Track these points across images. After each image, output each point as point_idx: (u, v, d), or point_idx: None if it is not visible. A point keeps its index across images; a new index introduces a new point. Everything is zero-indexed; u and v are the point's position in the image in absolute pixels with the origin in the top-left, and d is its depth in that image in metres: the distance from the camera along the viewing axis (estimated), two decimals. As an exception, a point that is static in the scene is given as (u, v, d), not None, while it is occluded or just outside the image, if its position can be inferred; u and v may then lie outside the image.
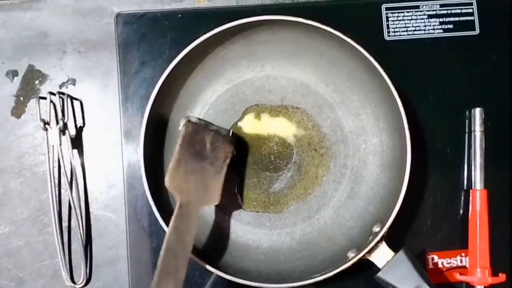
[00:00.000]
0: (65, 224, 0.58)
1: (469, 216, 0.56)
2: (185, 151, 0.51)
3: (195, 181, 0.51)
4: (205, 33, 0.52)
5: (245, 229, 0.58)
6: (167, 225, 0.50)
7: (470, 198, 0.57)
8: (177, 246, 0.48)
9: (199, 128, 0.53)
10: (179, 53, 0.52)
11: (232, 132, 0.58)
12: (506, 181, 0.59)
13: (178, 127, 0.54)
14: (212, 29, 0.52)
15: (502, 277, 0.54)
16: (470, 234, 0.56)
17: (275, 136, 0.58)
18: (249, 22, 0.52)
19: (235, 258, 0.55)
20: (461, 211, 0.58)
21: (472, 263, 0.55)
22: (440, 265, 0.57)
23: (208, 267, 0.51)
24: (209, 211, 0.57)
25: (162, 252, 0.47)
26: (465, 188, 0.59)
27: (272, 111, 0.59)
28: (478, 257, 0.55)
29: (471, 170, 0.58)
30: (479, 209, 0.56)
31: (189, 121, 0.53)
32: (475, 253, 0.55)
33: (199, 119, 0.54)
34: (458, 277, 0.56)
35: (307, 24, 0.52)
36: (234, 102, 0.59)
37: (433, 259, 0.58)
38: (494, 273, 0.54)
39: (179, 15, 0.60)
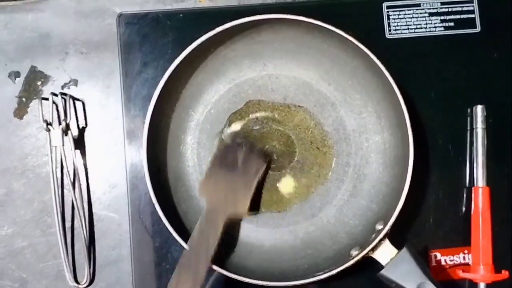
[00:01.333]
0: (68, 224, 0.58)
1: (472, 213, 0.56)
2: (217, 164, 0.54)
3: (224, 190, 0.53)
4: (206, 32, 0.52)
5: (248, 228, 0.58)
6: (171, 224, 0.51)
7: (473, 195, 0.57)
8: (200, 247, 0.49)
9: (232, 145, 0.56)
10: (181, 53, 0.52)
11: (266, 149, 0.58)
12: (508, 178, 0.59)
13: (214, 142, 0.57)
14: (214, 28, 0.52)
15: (505, 274, 0.54)
16: (473, 232, 0.56)
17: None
18: (250, 21, 0.52)
19: (239, 257, 0.55)
20: (464, 209, 0.58)
21: (475, 260, 0.55)
22: (443, 262, 0.57)
23: (212, 266, 0.50)
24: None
25: (185, 250, 0.49)
26: (467, 185, 0.59)
27: (275, 109, 0.59)
28: (481, 254, 0.55)
29: (473, 168, 0.58)
30: (482, 206, 0.56)
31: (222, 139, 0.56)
32: (477, 250, 0.55)
33: (234, 136, 0.56)
34: (461, 274, 0.56)
35: (308, 22, 0.52)
36: (236, 101, 0.59)
37: (436, 256, 0.58)
38: (497, 270, 0.54)
39: (181, 15, 0.60)
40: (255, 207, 0.57)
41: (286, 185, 0.58)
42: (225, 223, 0.51)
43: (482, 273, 0.54)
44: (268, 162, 0.57)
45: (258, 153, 0.57)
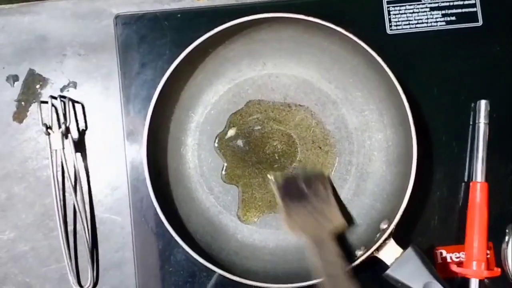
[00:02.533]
0: (70, 228, 0.57)
1: (468, 208, 0.56)
2: (287, 199, 0.54)
3: (312, 217, 0.53)
4: (205, 32, 0.52)
5: (251, 229, 0.57)
6: (172, 226, 0.51)
7: (470, 190, 0.56)
8: (334, 275, 0.48)
9: (288, 178, 0.56)
10: (179, 53, 0.52)
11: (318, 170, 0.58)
12: (508, 175, 0.58)
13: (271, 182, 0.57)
14: (212, 28, 0.52)
15: (497, 271, 0.54)
16: (468, 227, 0.55)
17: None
18: (249, 20, 0.52)
19: (242, 259, 0.55)
20: (460, 203, 0.58)
21: (469, 256, 0.55)
22: (448, 260, 0.57)
23: (216, 269, 0.50)
24: (215, 213, 0.57)
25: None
26: (465, 180, 0.58)
27: (275, 109, 0.58)
28: (475, 251, 0.54)
29: (473, 162, 0.57)
30: (479, 202, 0.55)
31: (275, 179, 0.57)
32: (471, 246, 0.55)
33: (285, 174, 0.57)
34: (454, 269, 0.55)
35: (308, 20, 0.52)
36: (236, 101, 0.58)
37: (441, 253, 0.57)
38: (491, 267, 0.54)
39: (179, 15, 0.60)
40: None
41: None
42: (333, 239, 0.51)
43: (475, 269, 0.54)
44: (328, 177, 0.58)
45: (314, 172, 0.57)
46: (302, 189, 0.55)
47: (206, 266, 0.51)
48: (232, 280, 0.51)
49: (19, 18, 0.60)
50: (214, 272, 0.51)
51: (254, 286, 0.51)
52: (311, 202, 0.54)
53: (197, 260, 0.51)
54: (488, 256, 0.56)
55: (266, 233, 0.57)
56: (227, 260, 0.54)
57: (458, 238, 0.57)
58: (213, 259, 0.51)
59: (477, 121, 0.58)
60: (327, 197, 0.55)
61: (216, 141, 0.58)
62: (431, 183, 0.58)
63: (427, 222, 0.58)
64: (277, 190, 0.56)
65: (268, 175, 0.57)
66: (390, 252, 0.51)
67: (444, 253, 0.57)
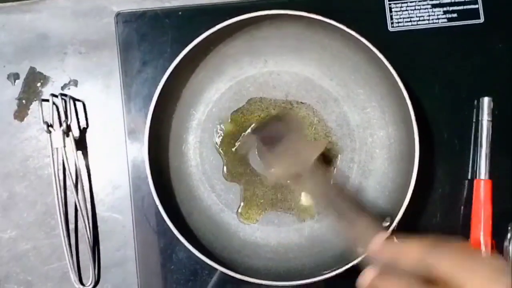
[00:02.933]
0: (71, 226, 0.57)
1: (472, 206, 0.56)
2: (266, 150, 0.52)
3: (290, 154, 0.51)
4: (206, 30, 0.52)
5: (253, 227, 0.57)
6: (174, 224, 0.50)
7: (474, 188, 0.56)
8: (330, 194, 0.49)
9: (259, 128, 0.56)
10: (180, 51, 0.52)
11: None
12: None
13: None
14: (213, 25, 0.52)
15: None
16: (473, 225, 0.55)
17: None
18: (250, 18, 0.52)
19: (244, 257, 0.55)
20: (463, 201, 0.58)
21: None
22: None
23: (218, 267, 0.50)
24: (217, 211, 0.57)
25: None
26: (469, 177, 0.58)
27: (277, 107, 0.58)
28: (481, 248, 0.54)
29: (476, 160, 0.57)
30: (483, 199, 0.55)
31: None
32: (476, 244, 0.54)
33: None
34: None
35: (309, 17, 0.51)
36: (238, 99, 0.58)
37: (443, 251, 0.57)
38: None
39: (180, 12, 0.59)
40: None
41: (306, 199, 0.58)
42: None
43: None
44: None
45: (283, 116, 0.56)
46: (275, 134, 0.53)
47: (207, 264, 0.50)
48: (234, 278, 0.50)
49: (20, 16, 0.60)
50: (216, 270, 0.51)
51: (256, 283, 0.50)
52: (288, 143, 0.52)
53: (198, 258, 0.50)
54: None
55: (268, 231, 0.57)
56: (229, 258, 0.54)
57: (460, 236, 0.57)
58: (215, 257, 0.51)
59: (480, 119, 0.58)
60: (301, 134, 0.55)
61: (218, 139, 0.58)
62: (434, 180, 0.58)
63: (429, 220, 0.57)
64: (257, 147, 0.54)
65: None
66: (393, 249, 0.50)
67: (447, 250, 0.57)
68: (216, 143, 0.58)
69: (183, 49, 0.52)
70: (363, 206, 0.49)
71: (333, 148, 0.58)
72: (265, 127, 0.56)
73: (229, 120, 0.58)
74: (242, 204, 0.57)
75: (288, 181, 0.54)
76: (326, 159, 0.57)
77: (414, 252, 0.37)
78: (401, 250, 0.39)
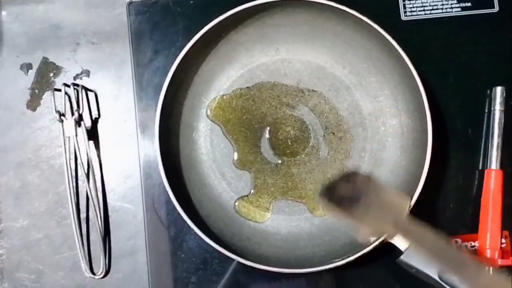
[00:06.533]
0: (83, 215, 0.57)
1: (482, 196, 0.55)
2: (348, 207, 0.50)
3: (376, 210, 0.49)
4: (217, 17, 0.52)
5: (263, 215, 0.57)
6: (186, 213, 0.51)
7: (484, 178, 0.56)
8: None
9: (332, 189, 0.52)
10: (191, 39, 0.52)
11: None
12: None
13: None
14: (225, 13, 0.52)
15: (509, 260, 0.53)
16: (482, 215, 0.55)
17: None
18: (262, 4, 0.52)
19: (255, 244, 0.55)
20: (474, 191, 0.57)
21: (482, 244, 0.54)
22: (463, 249, 0.56)
23: (228, 254, 0.50)
24: (227, 198, 0.57)
25: None
26: (480, 168, 0.57)
27: (288, 94, 0.58)
28: (489, 238, 0.54)
29: (488, 150, 0.57)
30: (493, 189, 0.55)
31: None
32: (485, 234, 0.54)
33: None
34: None
35: (322, 4, 0.51)
36: (249, 87, 0.58)
37: (456, 242, 0.56)
38: (506, 256, 0.54)
39: (191, 2, 0.59)
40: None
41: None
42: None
43: (489, 257, 0.53)
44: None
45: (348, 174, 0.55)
46: (353, 194, 0.51)
47: (218, 253, 0.50)
48: (245, 265, 0.50)
49: (33, 7, 0.61)
50: (226, 258, 0.51)
51: (267, 271, 0.50)
52: (367, 200, 0.50)
53: (209, 247, 0.51)
54: (504, 245, 0.55)
55: (279, 219, 0.57)
56: (239, 245, 0.53)
57: (472, 227, 0.56)
58: (225, 244, 0.51)
59: (492, 108, 0.57)
60: (377, 187, 0.52)
61: (228, 126, 0.58)
62: (446, 170, 0.57)
63: (441, 209, 0.57)
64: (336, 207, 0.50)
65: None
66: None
67: (459, 242, 0.56)
68: (227, 130, 0.58)
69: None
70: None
71: (345, 136, 0.57)
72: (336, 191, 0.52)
73: (240, 108, 0.58)
74: (252, 191, 0.57)
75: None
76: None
77: None
78: None
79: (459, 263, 0.46)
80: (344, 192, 0.51)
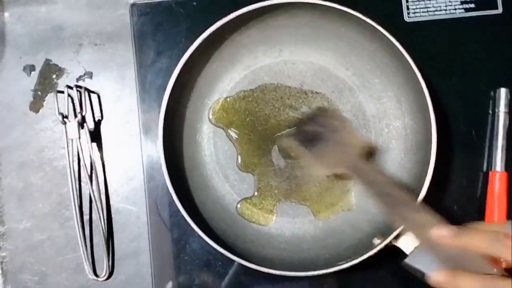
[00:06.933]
0: (86, 217, 0.57)
1: (486, 198, 0.55)
2: (306, 146, 0.54)
3: (334, 150, 0.53)
4: (221, 19, 0.52)
5: (267, 217, 0.57)
6: (189, 215, 0.50)
7: (489, 180, 0.56)
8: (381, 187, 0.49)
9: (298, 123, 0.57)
10: (195, 41, 0.52)
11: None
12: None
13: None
14: (228, 15, 0.52)
15: None
16: (487, 217, 0.55)
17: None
18: (265, 6, 0.51)
19: (258, 247, 0.55)
20: (479, 193, 0.57)
21: None
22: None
23: (232, 256, 0.50)
24: (230, 201, 0.57)
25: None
26: (484, 169, 0.57)
27: (291, 96, 0.58)
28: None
29: (492, 152, 0.57)
30: (497, 191, 0.55)
31: None
32: None
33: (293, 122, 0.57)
34: None
35: (325, 5, 0.51)
36: (252, 88, 0.58)
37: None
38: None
39: (194, 3, 0.59)
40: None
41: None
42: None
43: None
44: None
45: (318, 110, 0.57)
46: (314, 130, 0.54)
47: (221, 255, 0.50)
48: (248, 268, 0.50)
49: (35, 8, 0.60)
50: (230, 260, 0.51)
51: (270, 273, 0.50)
52: (329, 138, 0.54)
53: (212, 249, 0.50)
54: (508, 247, 0.55)
55: (282, 221, 0.57)
56: (242, 247, 0.53)
57: (477, 229, 0.56)
58: (228, 247, 0.51)
59: (496, 110, 0.57)
60: (341, 127, 0.55)
61: (232, 128, 0.58)
62: (450, 172, 0.57)
63: (446, 211, 0.56)
64: (292, 143, 0.55)
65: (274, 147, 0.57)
66: (409, 241, 0.49)
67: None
68: (231, 132, 0.58)
69: (197, 39, 0.52)
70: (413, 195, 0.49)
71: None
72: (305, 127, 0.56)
73: (243, 110, 0.58)
74: (256, 194, 0.57)
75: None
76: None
77: (478, 241, 0.39)
78: (465, 238, 0.40)
79: (394, 198, 0.47)
80: (310, 128, 0.54)
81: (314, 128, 0.55)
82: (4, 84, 0.59)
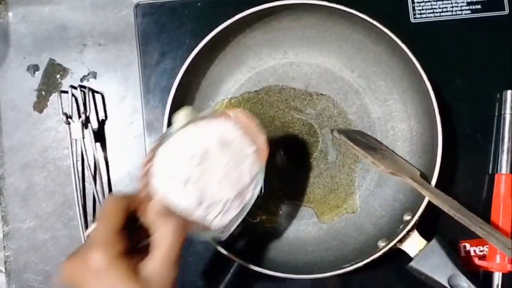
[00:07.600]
0: (89, 217, 0.57)
1: (492, 200, 0.55)
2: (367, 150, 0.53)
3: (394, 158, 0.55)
4: (225, 21, 0.51)
5: (271, 219, 0.57)
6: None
7: (495, 182, 0.55)
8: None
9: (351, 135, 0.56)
10: (199, 42, 0.52)
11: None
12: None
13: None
14: (233, 16, 0.51)
15: None
16: (492, 219, 0.55)
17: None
18: (270, 8, 0.51)
19: (262, 249, 0.54)
20: (484, 196, 0.57)
21: (492, 249, 0.54)
22: (472, 253, 0.56)
23: (235, 258, 0.50)
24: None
25: None
26: (490, 172, 0.57)
27: (296, 98, 0.58)
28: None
29: (498, 154, 0.56)
30: (503, 194, 0.55)
31: None
32: None
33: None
34: (477, 262, 0.54)
35: (330, 7, 0.51)
36: (257, 90, 0.58)
37: (465, 247, 0.56)
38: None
39: (199, 4, 0.59)
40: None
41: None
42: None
43: (498, 263, 0.53)
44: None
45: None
46: (368, 140, 0.54)
47: (225, 256, 0.50)
48: (252, 270, 0.50)
49: (39, 8, 0.60)
50: (233, 262, 0.51)
51: (274, 276, 0.50)
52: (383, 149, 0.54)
53: (216, 251, 0.50)
54: (514, 250, 0.55)
55: (286, 223, 0.56)
56: (246, 249, 0.53)
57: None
58: (232, 248, 0.51)
59: (502, 112, 0.57)
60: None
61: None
62: (455, 174, 0.57)
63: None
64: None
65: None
66: (413, 244, 0.50)
67: (468, 246, 0.56)
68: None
69: (202, 40, 0.52)
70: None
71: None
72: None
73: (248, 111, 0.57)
74: (260, 195, 0.57)
75: None
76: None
77: None
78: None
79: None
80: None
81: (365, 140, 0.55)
82: (8, 84, 0.59)
